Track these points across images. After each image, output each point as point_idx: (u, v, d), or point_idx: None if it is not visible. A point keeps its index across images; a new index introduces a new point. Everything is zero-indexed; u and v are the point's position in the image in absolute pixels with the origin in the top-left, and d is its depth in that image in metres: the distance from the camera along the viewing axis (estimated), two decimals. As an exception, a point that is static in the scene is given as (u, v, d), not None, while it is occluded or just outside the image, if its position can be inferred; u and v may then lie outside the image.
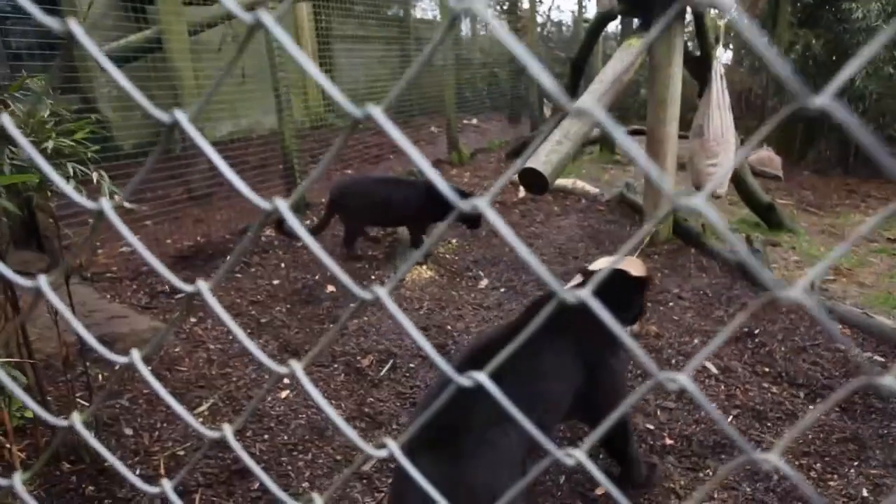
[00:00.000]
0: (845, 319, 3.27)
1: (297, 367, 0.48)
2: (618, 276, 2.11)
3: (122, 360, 0.47)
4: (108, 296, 3.59)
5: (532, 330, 0.46)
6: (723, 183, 4.24)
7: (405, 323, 0.46)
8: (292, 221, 0.44)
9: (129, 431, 2.37)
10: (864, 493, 2.13)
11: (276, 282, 3.98)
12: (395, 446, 0.46)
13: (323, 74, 0.44)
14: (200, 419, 2.54)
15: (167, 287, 3.77)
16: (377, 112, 0.41)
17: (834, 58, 7.15)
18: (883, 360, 2.94)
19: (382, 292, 0.46)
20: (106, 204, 0.44)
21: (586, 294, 0.41)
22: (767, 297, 0.42)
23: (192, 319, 3.43)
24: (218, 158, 0.45)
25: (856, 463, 2.27)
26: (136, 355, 0.47)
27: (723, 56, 7.82)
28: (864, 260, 4.55)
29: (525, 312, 2.13)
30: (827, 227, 5.40)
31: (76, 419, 0.44)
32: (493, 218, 0.42)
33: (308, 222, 5.27)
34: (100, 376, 2.66)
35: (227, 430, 0.49)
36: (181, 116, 0.41)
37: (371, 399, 2.71)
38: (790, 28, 7.47)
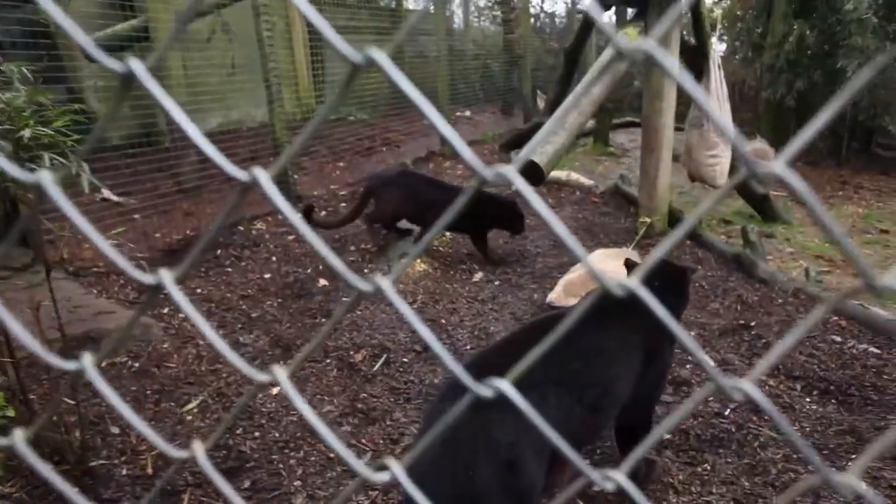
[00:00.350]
0: (842, 311, 3.25)
1: (281, 374, 0.43)
2: (665, 266, 2.08)
3: (68, 366, 0.42)
4: (95, 291, 3.51)
5: (574, 321, 0.40)
6: (723, 173, 4.21)
7: (409, 315, 0.41)
8: (272, 193, 0.38)
9: (115, 430, 2.31)
10: (863, 486, 2.10)
11: (267, 275, 3.92)
12: (399, 469, 0.41)
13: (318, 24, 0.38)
14: (189, 416, 2.48)
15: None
16: (381, 56, 0.36)
17: (826, 48, 7.12)
18: (878, 351, 2.92)
19: (385, 283, 0.40)
20: (47, 177, 0.38)
21: (636, 284, 0.36)
22: (861, 287, 0.37)
23: (181, 315, 3.36)
24: (187, 123, 0.39)
25: (853, 455, 2.25)
26: (87, 360, 0.41)
27: (717, 47, 7.79)
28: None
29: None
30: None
31: (18, 438, 0.39)
32: (523, 187, 0.37)
33: (300, 215, 5.20)
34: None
35: (198, 451, 0.44)
36: (137, 66, 0.36)
37: (364, 394, 2.66)
38: (785, 19, 7.43)
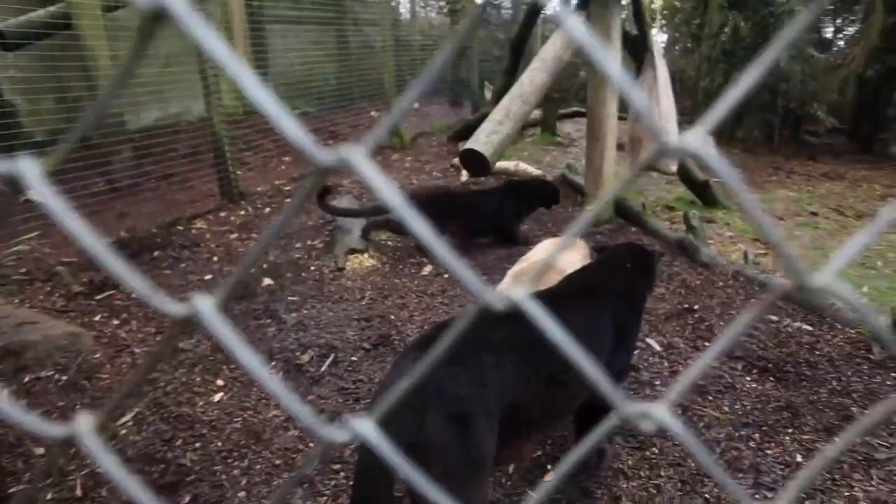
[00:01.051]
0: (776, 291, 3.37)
1: (203, 305, 0.35)
2: (636, 249, 2.28)
3: None
4: (17, 300, 3.27)
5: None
6: (674, 160, 4.30)
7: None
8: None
9: (39, 451, 2.15)
10: (799, 458, 2.18)
11: (208, 277, 3.76)
12: (367, 426, 0.35)
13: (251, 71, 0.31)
14: (124, 430, 2.34)
15: (85, 287, 3.48)
16: (356, 157, 0.30)
17: (760, 39, 7.39)
18: (811, 328, 3.04)
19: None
20: (29, 167, 0.30)
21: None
22: (792, 285, 0.34)
23: (115, 322, 3.18)
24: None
25: (790, 430, 2.33)
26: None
27: (659, 38, 7.97)
28: (790, 234, 4.74)
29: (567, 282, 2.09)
30: (759, 204, 5.60)
31: None
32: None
33: (243, 212, 5.02)
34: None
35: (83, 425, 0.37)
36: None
37: (312, 397, 2.57)
38: (721, 10, 7.67)
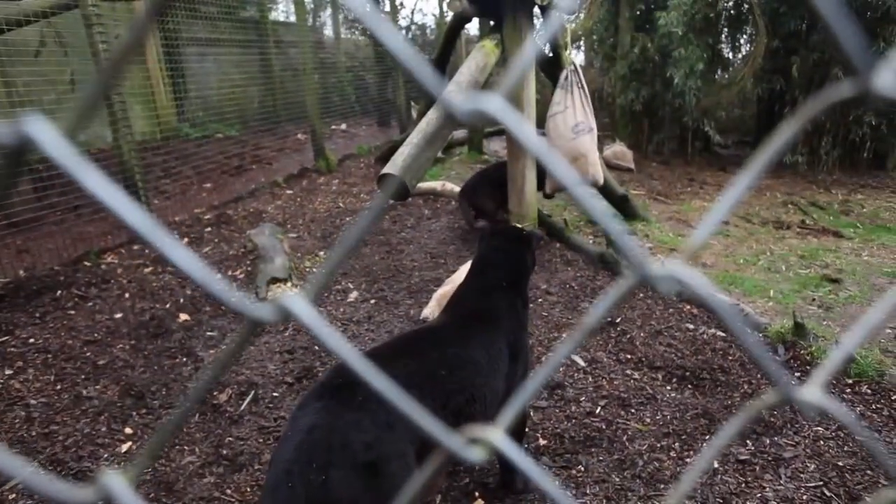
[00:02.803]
0: (692, 300, 3.52)
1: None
2: (512, 232, 2.25)
3: None
4: None
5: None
6: (598, 169, 4.44)
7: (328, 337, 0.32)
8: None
9: None
10: (715, 464, 2.26)
11: (118, 315, 3.52)
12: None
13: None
14: (13, 495, 2.12)
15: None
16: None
17: (656, 58, 7.85)
18: (724, 334, 3.20)
19: (300, 306, 0.31)
20: (44, 129, 0.24)
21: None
22: (780, 395, 0.33)
23: (8, 371, 2.91)
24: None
25: (707, 437, 2.42)
26: None
27: (577, 58, 8.25)
28: (704, 243, 4.99)
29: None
30: (674, 213, 5.89)
31: None
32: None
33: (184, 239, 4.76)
34: None
35: None
36: None
37: (230, 438, 2.44)
38: (629, 32, 8.09)
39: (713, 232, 0.33)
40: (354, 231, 0.33)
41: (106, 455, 2.34)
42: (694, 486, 2.12)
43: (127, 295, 3.82)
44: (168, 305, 3.63)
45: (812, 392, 0.32)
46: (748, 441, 2.35)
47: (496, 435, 0.32)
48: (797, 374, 2.80)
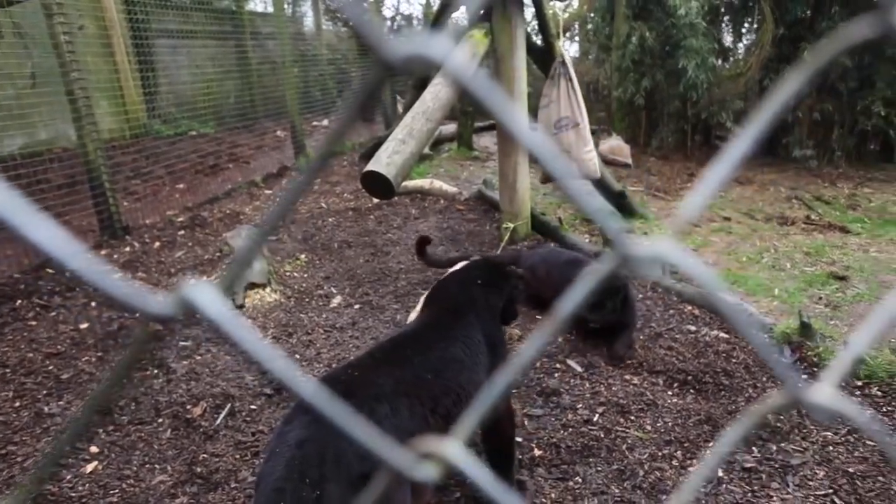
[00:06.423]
0: (694, 300, 3.53)
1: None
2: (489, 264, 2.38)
3: None
4: None
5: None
6: (597, 165, 4.44)
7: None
8: None
9: None
10: (720, 473, 2.25)
11: (83, 325, 3.46)
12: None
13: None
14: (-32, 520, 2.07)
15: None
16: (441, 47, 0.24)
17: (667, 49, 7.88)
18: (727, 336, 3.20)
19: (206, 298, 0.28)
20: None
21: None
22: (789, 397, 0.31)
23: (-37, 387, 2.85)
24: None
25: (710, 444, 2.41)
26: None
27: (569, 49, 8.28)
28: (707, 240, 5.01)
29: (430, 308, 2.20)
30: (673, 210, 5.91)
31: None
32: None
33: (128, 249, 4.70)
34: None
35: None
36: None
37: (204, 455, 2.40)
38: (626, 20, 8.13)
39: (705, 204, 0.31)
40: (283, 201, 0.30)
41: (69, 476, 2.29)
42: (698, 497, 2.11)
43: (93, 304, 3.75)
44: (138, 315, 3.58)
45: (824, 393, 0.30)
46: (754, 448, 2.34)
47: (451, 449, 0.30)
48: (804, 377, 2.80)
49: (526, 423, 2.52)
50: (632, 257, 0.30)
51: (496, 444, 2.08)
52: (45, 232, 0.27)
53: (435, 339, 1.85)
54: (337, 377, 1.71)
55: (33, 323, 3.49)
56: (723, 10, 8.63)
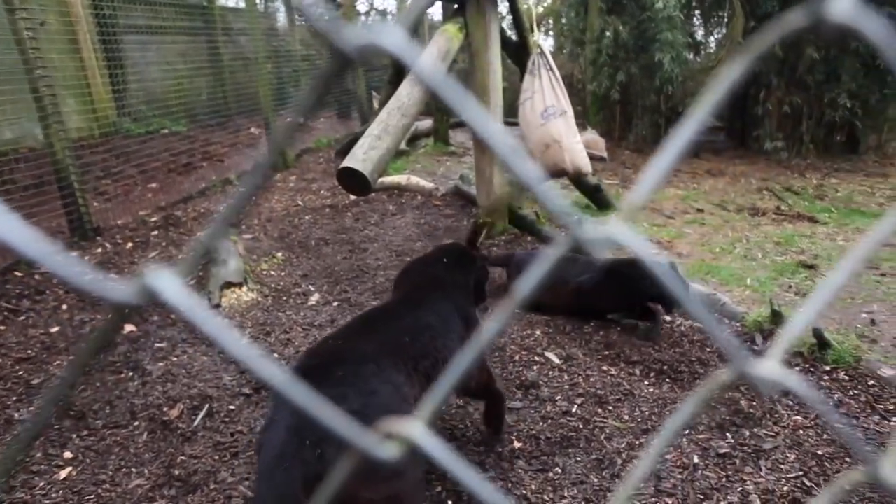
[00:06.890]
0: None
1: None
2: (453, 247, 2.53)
3: None
4: None
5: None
6: (586, 157, 4.47)
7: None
8: None
9: None
10: (696, 459, 2.30)
11: (54, 329, 3.40)
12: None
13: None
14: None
15: None
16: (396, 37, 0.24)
17: (640, 43, 7.98)
18: (701, 325, 3.26)
19: (168, 285, 0.28)
20: None
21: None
22: (735, 372, 0.33)
23: (-70, 394, 2.78)
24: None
25: (686, 431, 2.47)
26: None
27: (545, 43, 8.35)
28: (680, 232, 5.10)
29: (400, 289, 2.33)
30: (647, 203, 5.99)
31: None
32: None
33: (99, 250, 4.62)
34: None
35: None
36: None
37: (182, 457, 2.37)
38: (600, 15, 8.20)
39: (657, 187, 0.33)
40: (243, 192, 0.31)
41: (42, 483, 2.25)
42: (674, 483, 2.16)
43: (64, 307, 3.69)
44: (102, 303, 3.52)
45: (767, 367, 0.32)
46: (728, 434, 2.40)
47: (414, 429, 0.31)
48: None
49: (506, 415, 2.54)
50: (584, 239, 0.31)
51: (481, 396, 2.32)
52: (15, 231, 0.28)
53: (406, 311, 1.99)
54: (319, 349, 1.83)
55: (2, 328, 3.42)
56: (694, 3, 8.76)
